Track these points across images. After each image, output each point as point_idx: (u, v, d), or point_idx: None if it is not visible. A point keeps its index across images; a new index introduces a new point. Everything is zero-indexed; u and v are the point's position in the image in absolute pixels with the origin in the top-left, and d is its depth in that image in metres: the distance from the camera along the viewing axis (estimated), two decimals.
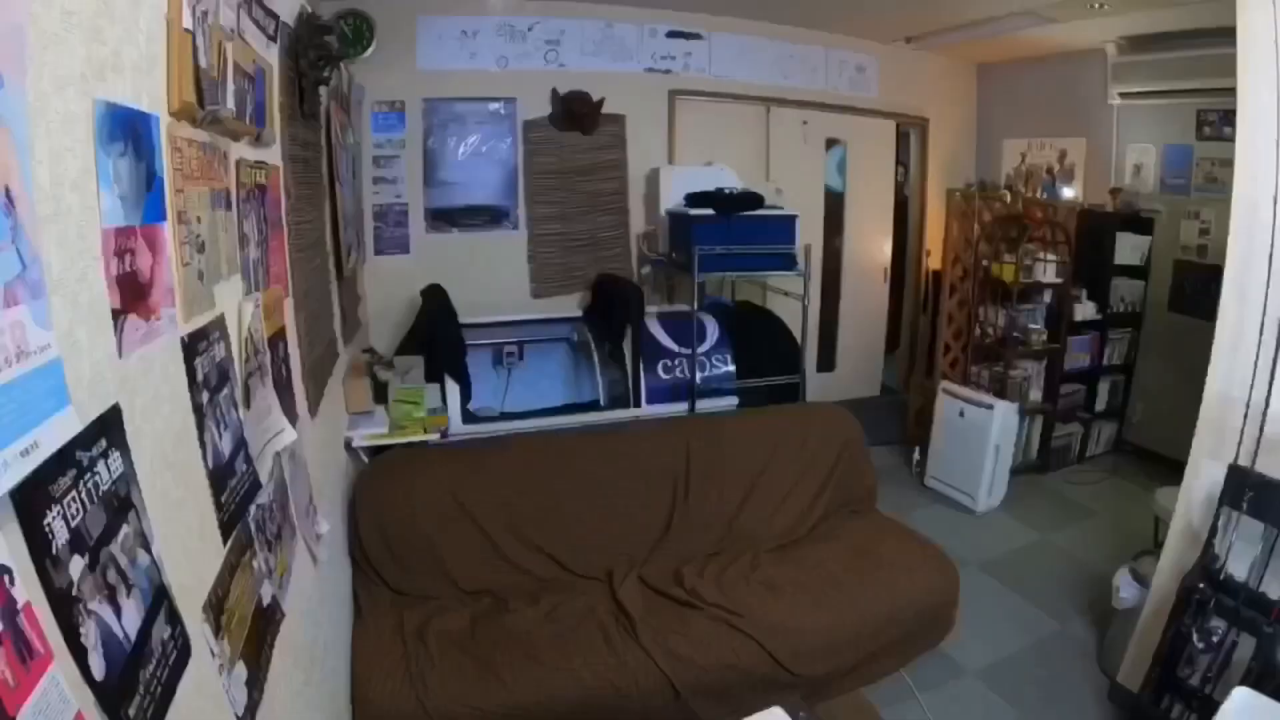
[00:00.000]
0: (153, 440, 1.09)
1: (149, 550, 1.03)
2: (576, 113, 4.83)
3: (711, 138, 5.33)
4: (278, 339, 1.88)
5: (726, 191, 4.30)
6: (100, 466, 0.92)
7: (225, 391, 1.40)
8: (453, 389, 3.71)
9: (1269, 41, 2.34)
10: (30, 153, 0.81)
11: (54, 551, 0.81)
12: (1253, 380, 2.39)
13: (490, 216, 4.86)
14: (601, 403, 4.25)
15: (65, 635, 0.81)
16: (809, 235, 5.10)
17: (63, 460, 0.83)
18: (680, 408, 4.16)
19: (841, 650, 2.69)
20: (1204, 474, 2.59)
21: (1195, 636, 2.38)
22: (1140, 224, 5.19)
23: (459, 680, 2.40)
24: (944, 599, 2.97)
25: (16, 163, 0.77)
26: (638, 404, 4.11)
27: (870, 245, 6.29)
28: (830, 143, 5.98)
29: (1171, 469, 3.66)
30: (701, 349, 4.26)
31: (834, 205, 6.11)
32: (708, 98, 5.31)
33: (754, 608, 2.69)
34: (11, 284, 0.75)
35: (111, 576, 0.92)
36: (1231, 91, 2.46)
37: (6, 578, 0.73)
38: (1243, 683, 2.05)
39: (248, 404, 1.53)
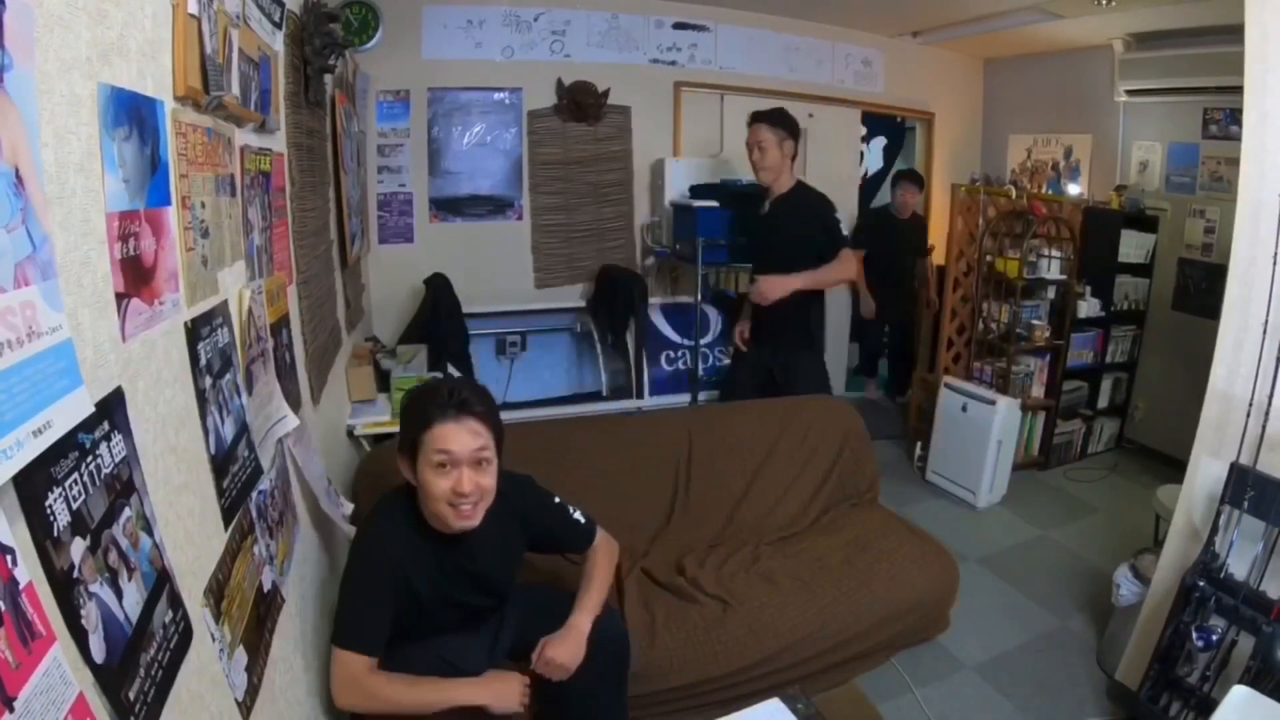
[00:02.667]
0: (155, 424, 1.09)
1: (151, 533, 1.03)
2: (581, 103, 4.82)
3: (716, 130, 5.33)
4: (281, 326, 1.88)
5: (730, 183, 4.29)
6: (102, 449, 0.92)
7: (228, 377, 1.40)
8: None
9: (1277, 40, 2.33)
10: (38, 134, 0.81)
11: (55, 533, 0.81)
12: (1255, 379, 2.38)
13: (494, 206, 4.87)
14: (604, 393, 4.26)
15: (66, 617, 0.82)
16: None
17: (65, 442, 0.83)
18: (682, 399, 4.17)
19: (838, 643, 2.69)
20: (1205, 472, 2.58)
21: (1194, 634, 2.37)
22: (1145, 222, 5.17)
23: None
24: (943, 594, 2.98)
25: (26, 143, 0.78)
26: (640, 395, 4.13)
27: None
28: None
29: (1173, 467, 3.66)
30: (704, 340, 4.27)
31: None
32: (713, 90, 5.30)
33: (752, 599, 2.69)
34: (22, 264, 0.76)
35: (113, 559, 0.92)
36: (1239, 90, 2.44)
37: (9, 558, 0.73)
38: (1241, 681, 2.05)
39: (249, 390, 1.53)
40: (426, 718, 1.80)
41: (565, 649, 1.96)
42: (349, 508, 2.19)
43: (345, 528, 2.09)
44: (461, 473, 1.79)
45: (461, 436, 1.79)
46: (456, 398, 1.82)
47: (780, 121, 3.56)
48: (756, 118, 3.57)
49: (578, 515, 2.21)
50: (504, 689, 1.86)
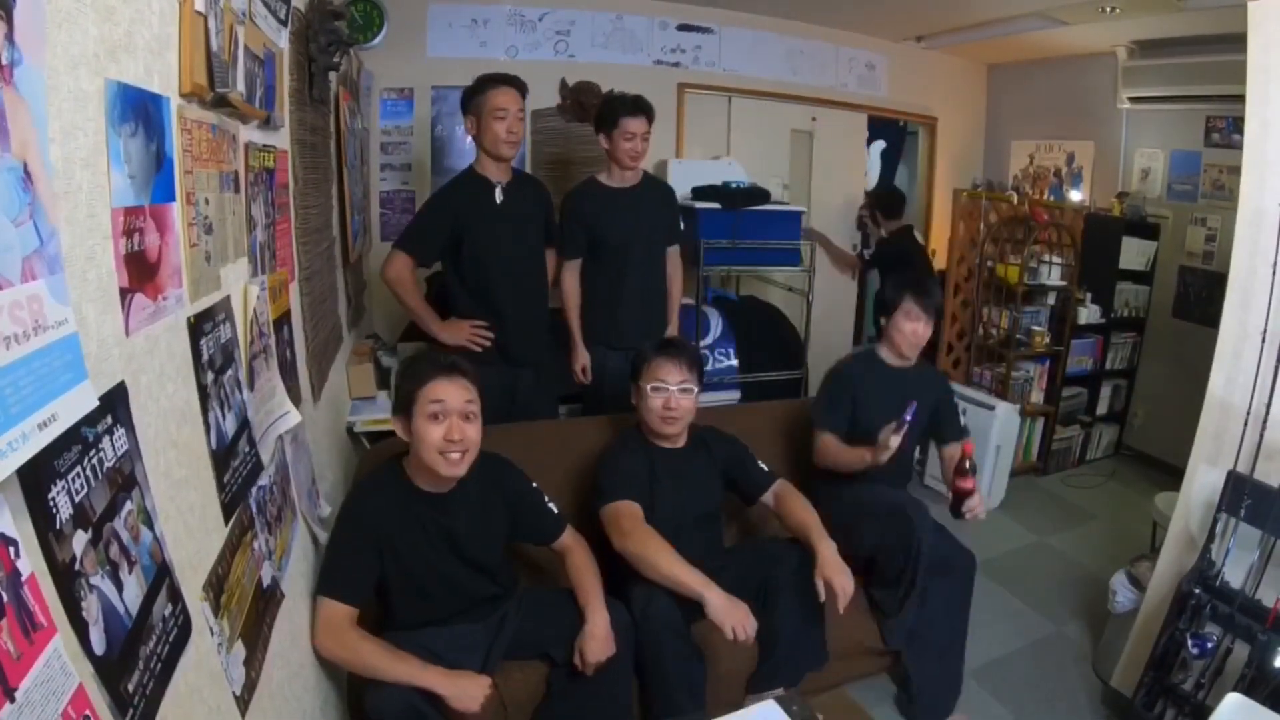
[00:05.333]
0: (157, 418, 1.10)
1: (152, 527, 1.04)
2: (585, 104, 4.82)
3: (719, 132, 5.34)
4: (283, 322, 1.89)
5: (733, 185, 4.30)
6: (105, 443, 0.92)
7: (230, 373, 1.41)
8: None
9: (1279, 49, 2.34)
10: (47, 130, 0.82)
11: (57, 526, 0.82)
12: (1254, 387, 2.39)
13: None
14: None
15: (67, 609, 0.82)
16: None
17: (68, 436, 0.83)
18: None
19: (833, 647, 2.69)
20: (1202, 480, 2.59)
21: (1190, 642, 2.38)
22: (1146, 229, 5.18)
23: None
24: None
25: (35, 139, 0.78)
26: None
27: None
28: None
29: (1171, 474, 3.66)
30: (704, 342, 4.27)
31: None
32: (716, 92, 5.31)
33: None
34: (29, 258, 0.76)
35: (114, 552, 0.93)
36: (1241, 98, 2.45)
37: (12, 550, 0.74)
38: (1235, 689, 2.05)
39: (251, 386, 1.54)
40: (410, 689, 1.89)
41: (600, 647, 2.13)
42: (326, 510, 2.20)
43: (318, 530, 2.11)
44: (452, 421, 2.00)
45: (453, 390, 2.02)
46: (448, 360, 2.10)
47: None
48: (642, 108, 3.30)
49: (551, 505, 2.41)
50: (468, 686, 1.93)
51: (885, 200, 5.51)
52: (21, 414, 0.73)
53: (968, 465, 2.57)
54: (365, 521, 2.05)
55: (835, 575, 2.28)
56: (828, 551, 2.35)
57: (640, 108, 3.27)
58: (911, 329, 2.84)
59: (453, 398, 2.01)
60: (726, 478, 2.70)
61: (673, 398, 2.49)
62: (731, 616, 2.15)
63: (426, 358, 2.19)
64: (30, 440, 0.75)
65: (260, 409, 1.60)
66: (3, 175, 0.73)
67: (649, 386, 2.51)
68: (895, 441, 2.53)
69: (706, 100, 5.30)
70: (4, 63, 0.73)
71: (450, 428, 1.99)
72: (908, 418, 2.50)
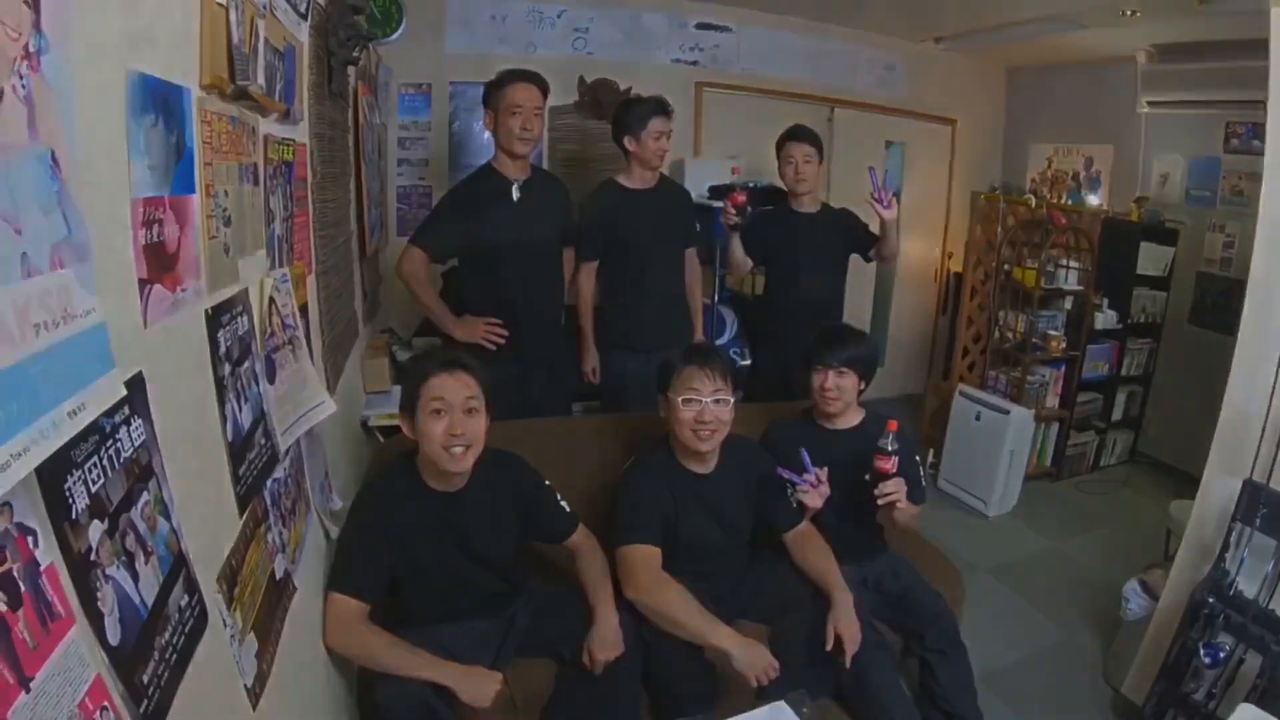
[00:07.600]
0: (174, 410, 1.10)
1: (169, 518, 1.04)
2: (603, 101, 4.82)
3: (736, 131, 5.32)
4: (300, 314, 1.89)
5: (750, 185, 4.29)
6: (122, 433, 0.93)
7: (247, 365, 1.41)
8: None
9: None
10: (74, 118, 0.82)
11: (73, 516, 0.82)
12: (1271, 396, 2.37)
13: None
14: None
15: (82, 599, 0.83)
16: None
17: (86, 426, 0.83)
18: None
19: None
20: (1218, 488, 2.57)
21: (1202, 651, 2.36)
22: (1164, 234, 5.14)
23: None
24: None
25: (62, 127, 0.78)
26: None
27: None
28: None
29: (1186, 482, 3.64)
30: (720, 341, 4.26)
31: None
32: (734, 91, 5.30)
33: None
34: (58, 246, 0.77)
35: (130, 543, 0.93)
36: (1262, 104, 2.43)
37: (30, 540, 0.74)
38: (1247, 699, 2.04)
39: (270, 378, 1.54)
40: (422, 684, 1.90)
41: (608, 647, 2.13)
42: (338, 503, 2.21)
43: (328, 523, 2.12)
44: (454, 416, 2.00)
45: (454, 386, 2.02)
46: (450, 355, 2.11)
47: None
48: (668, 108, 3.29)
49: (563, 503, 2.39)
50: (479, 683, 1.93)
51: None
52: (53, 402, 0.74)
53: (889, 445, 2.36)
54: (376, 519, 2.06)
55: (846, 627, 2.24)
56: (844, 603, 2.29)
57: (666, 107, 3.28)
58: (819, 385, 2.64)
59: (453, 393, 2.00)
60: (756, 500, 2.55)
61: (706, 409, 2.31)
62: (755, 667, 2.11)
63: (426, 355, 2.20)
64: (61, 428, 0.75)
65: (289, 400, 1.61)
66: (33, 163, 0.73)
67: (680, 399, 2.33)
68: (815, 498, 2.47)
69: (724, 99, 5.29)
70: (32, 50, 0.73)
71: (452, 422, 1.99)
72: (809, 467, 2.47)
